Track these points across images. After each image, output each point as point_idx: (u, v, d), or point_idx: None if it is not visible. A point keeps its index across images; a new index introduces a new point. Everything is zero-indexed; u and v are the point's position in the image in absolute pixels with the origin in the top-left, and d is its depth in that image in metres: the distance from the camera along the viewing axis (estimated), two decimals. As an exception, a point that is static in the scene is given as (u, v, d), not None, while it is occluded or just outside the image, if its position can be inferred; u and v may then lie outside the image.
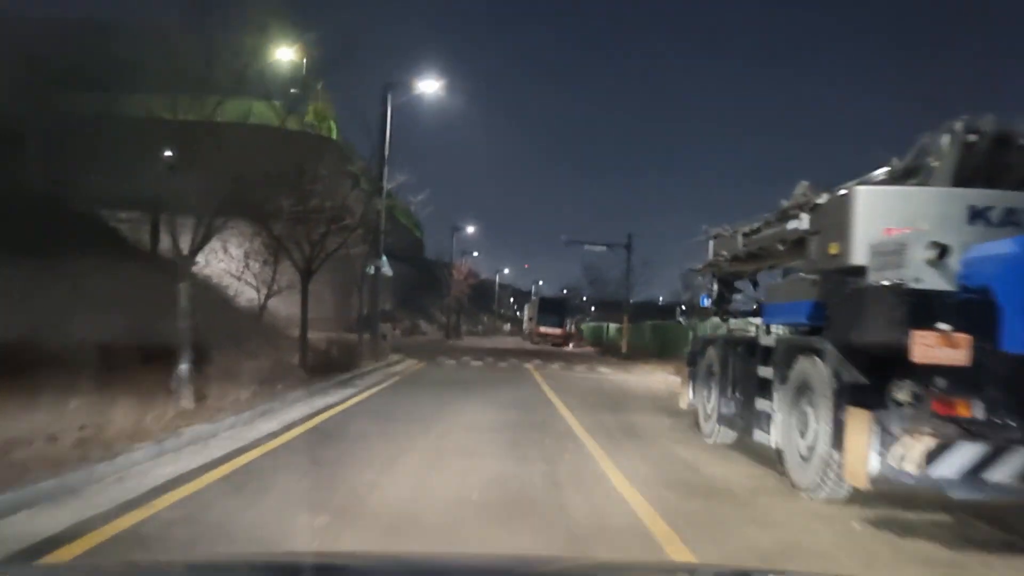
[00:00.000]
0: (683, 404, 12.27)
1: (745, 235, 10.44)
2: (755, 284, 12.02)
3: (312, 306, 17.06)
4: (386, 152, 20.75)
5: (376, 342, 21.08)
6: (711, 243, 11.94)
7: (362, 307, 22.54)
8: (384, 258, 20.46)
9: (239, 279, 20.37)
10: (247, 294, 20.91)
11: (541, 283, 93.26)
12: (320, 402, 12.81)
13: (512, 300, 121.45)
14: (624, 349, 32.82)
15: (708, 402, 10.72)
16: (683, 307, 21.50)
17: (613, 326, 54.80)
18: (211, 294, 18.07)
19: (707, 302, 12.69)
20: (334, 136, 50.69)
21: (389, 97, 21.35)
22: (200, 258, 12.31)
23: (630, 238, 34.08)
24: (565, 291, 73.88)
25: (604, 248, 33.38)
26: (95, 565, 3.10)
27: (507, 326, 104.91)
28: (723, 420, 10.01)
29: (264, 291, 20.02)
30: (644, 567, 3.04)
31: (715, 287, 12.33)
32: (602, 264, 50.03)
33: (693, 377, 11.64)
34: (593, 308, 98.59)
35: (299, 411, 11.43)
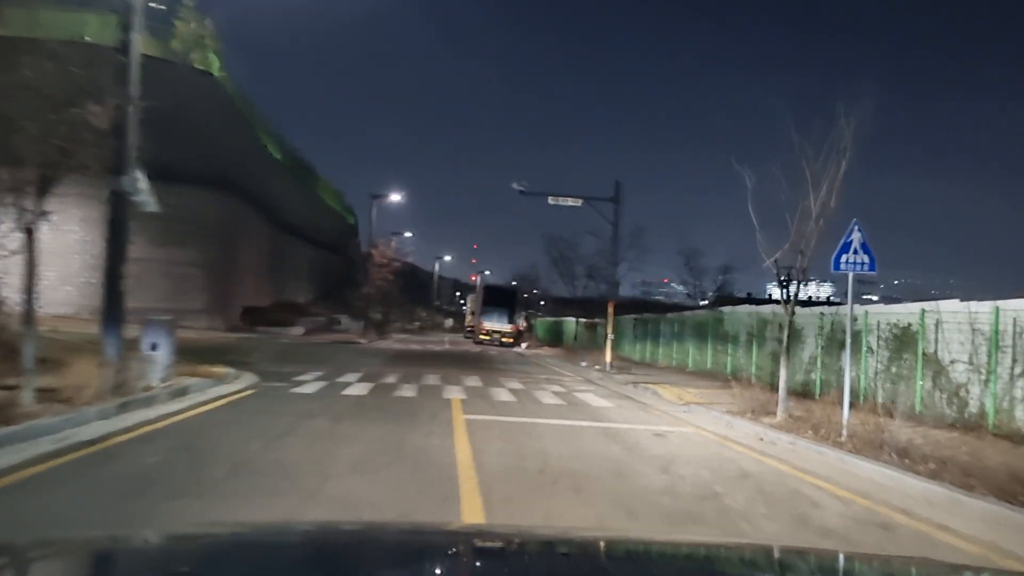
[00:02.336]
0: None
1: None
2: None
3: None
4: None
5: (123, 352, 10.63)
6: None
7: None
8: (138, 177, 10.16)
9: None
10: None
11: (488, 272, 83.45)
12: None
13: (458, 294, 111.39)
14: (608, 357, 23.74)
15: None
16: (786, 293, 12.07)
17: (573, 321, 45.57)
18: None
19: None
20: (215, 71, 40.64)
21: None
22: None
23: (618, 188, 24.72)
24: (515, 282, 63.63)
25: (578, 202, 23.83)
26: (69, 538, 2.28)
27: (449, 322, 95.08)
28: None
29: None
30: (663, 544, 2.75)
31: None
32: (575, 238, 40.57)
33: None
34: (543, 302, 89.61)
35: None
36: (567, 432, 10.85)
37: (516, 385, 18.14)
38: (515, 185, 24.21)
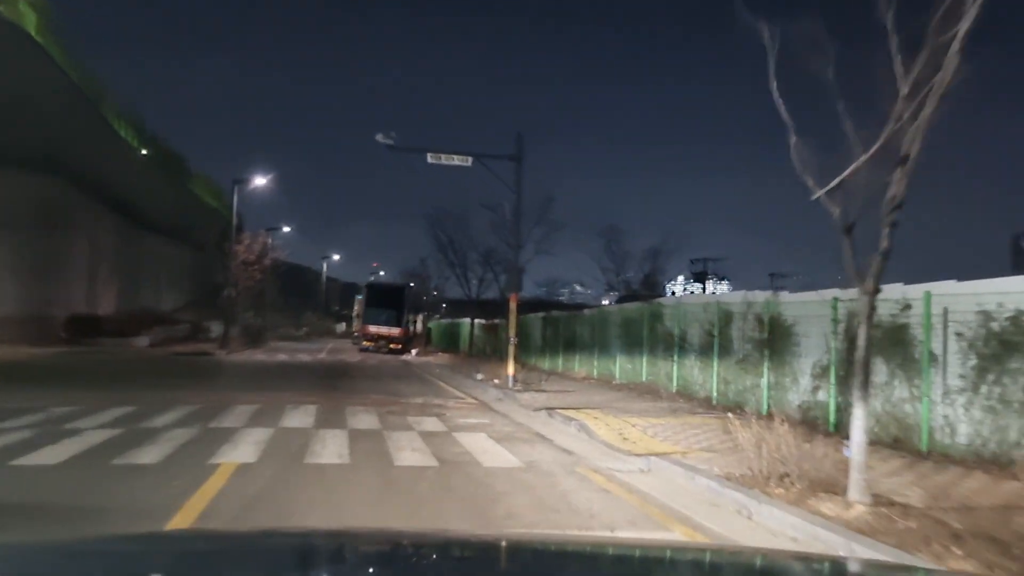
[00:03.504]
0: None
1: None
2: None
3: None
4: None
5: None
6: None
7: None
8: None
9: None
10: None
11: (383, 274, 75.98)
12: None
13: (359, 297, 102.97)
14: (511, 369, 17.30)
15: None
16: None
17: (468, 323, 39.20)
18: None
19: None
20: (30, 27, 32.69)
21: None
22: None
23: (520, 144, 18.23)
24: (407, 281, 56.20)
25: (466, 161, 17.19)
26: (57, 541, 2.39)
27: (341, 327, 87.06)
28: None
29: None
30: (649, 546, 2.96)
31: None
32: (468, 215, 33.25)
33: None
34: (444, 305, 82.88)
35: None
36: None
37: (369, 421, 11.56)
38: (380, 138, 17.57)
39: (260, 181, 39.84)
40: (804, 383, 11.67)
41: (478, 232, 31.90)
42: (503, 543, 2.46)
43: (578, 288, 58.61)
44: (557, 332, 25.36)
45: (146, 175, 42.67)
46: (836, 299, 10.95)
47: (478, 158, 17.99)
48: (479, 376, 21.26)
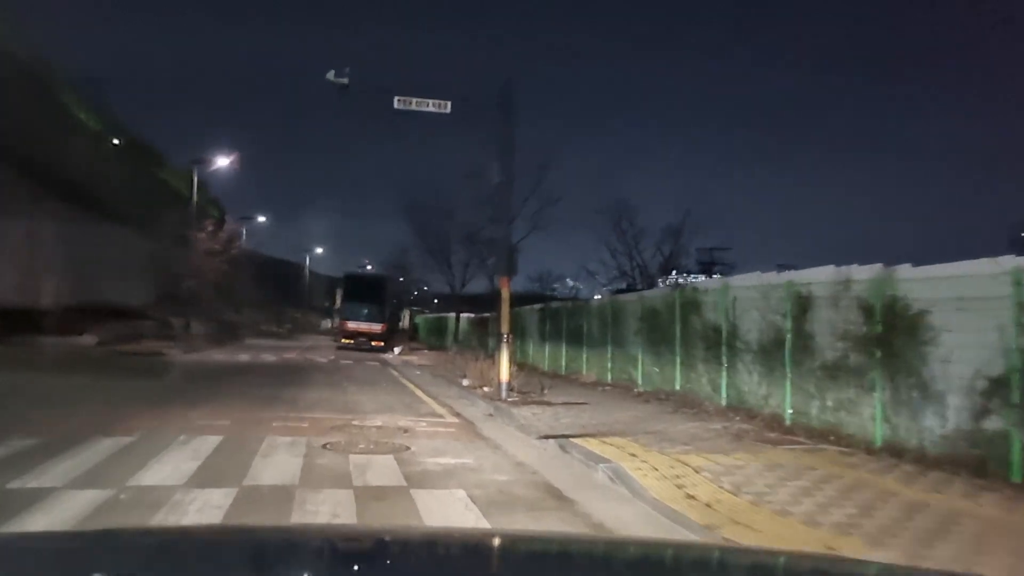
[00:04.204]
0: None
1: None
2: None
3: None
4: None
5: None
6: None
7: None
8: None
9: None
10: None
11: (368, 266, 71.61)
12: None
13: (338, 291, 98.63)
14: (505, 374, 13.09)
15: None
16: None
17: (454, 317, 35.17)
18: None
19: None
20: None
21: None
22: None
23: (508, 89, 14.13)
24: (391, 273, 51.70)
25: (443, 107, 13.07)
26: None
27: (326, 323, 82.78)
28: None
29: None
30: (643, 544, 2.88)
31: None
32: (448, 189, 28.42)
33: None
34: (436, 300, 78.73)
35: None
36: None
37: (285, 467, 7.45)
38: (331, 77, 13.47)
39: (222, 162, 35.64)
40: (954, 403, 7.64)
41: (462, 213, 27.72)
42: (502, 541, 2.39)
43: (570, 283, 54.15)
44: (559, 327, 21.30)
45: (107, 160, 38.15)
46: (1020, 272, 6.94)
47: (459, 103, 13.84)
48: (465, 382, 17.20)
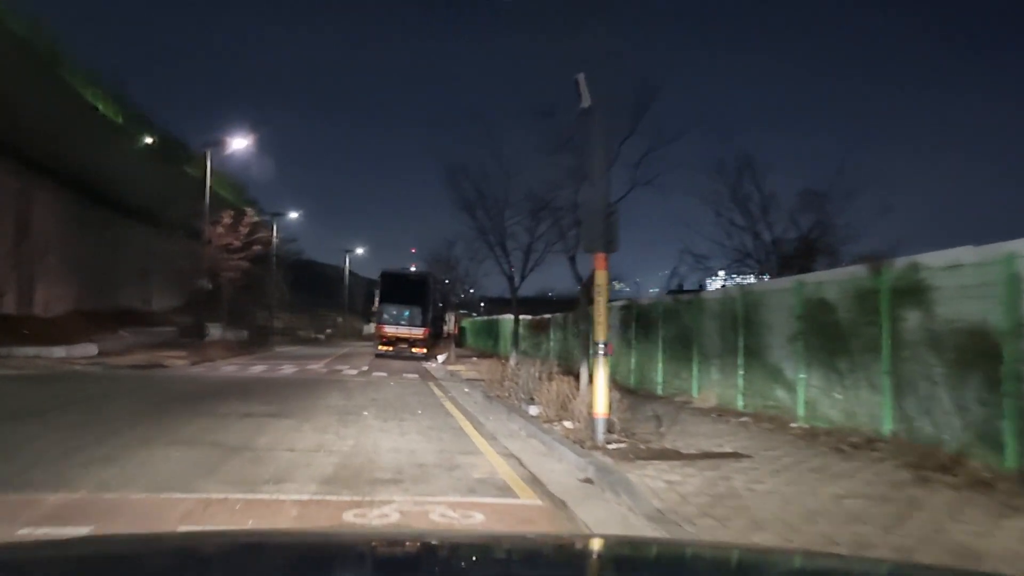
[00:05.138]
0: None
1: None
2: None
3: None
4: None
5: None
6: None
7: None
8: None
9: None
10: None
11: (414, 260, 66.49)
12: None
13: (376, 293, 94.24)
14: (602, 405, 8.10)
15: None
16: None
17: (511, 321, 30.05)
18: None
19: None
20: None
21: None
22: None
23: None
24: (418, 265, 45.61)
25: None
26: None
27: (368, 328, 78.58)
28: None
29: None
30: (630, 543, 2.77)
31: None
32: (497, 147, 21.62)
33: None
34: (483, 304, 73.87)
35: None
36: None
37: None
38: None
39: (240, 144, 31.07)
40: None
41: (525, 178, 22.16)
42: (500, 540, 2.42)
43: (622, 287, 47.84)
44: (651, 330, 15.97)
45: (127, 155, 33.78)
46: None
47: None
48: (533, 409, 11.98)
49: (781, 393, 10.89)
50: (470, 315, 67.65)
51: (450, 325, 52.25)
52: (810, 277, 10.48)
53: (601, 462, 7.76)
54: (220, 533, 3.15)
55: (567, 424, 10.38)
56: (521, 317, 27.22)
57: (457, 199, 19.01)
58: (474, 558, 2.03)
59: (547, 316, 27.73)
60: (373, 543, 2.19)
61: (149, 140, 34.22)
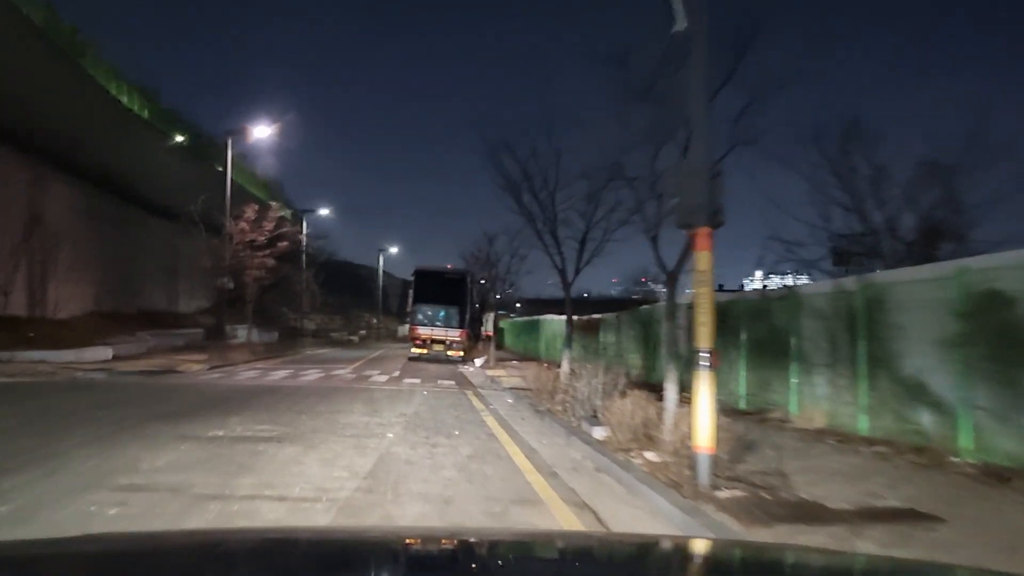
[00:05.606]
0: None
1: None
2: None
3: None
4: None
5: None
6: None
7: None
8: None
9: None
10: None
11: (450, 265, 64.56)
12: None
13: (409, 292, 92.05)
14: (705, 437, 5.77)
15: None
16: None
17: (558, 321, 27.56)
18: None
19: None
20: None
21: None
22: None
23: None
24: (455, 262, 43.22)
25: None
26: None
27: (404, 329, 76.66)
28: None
29: None
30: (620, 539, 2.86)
31: None
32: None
33: None
34: (519, 304, 71.36)
35: None
36: None
37: None
38: None
39: (263, 132, 29.03)
40: None
41: (584, 150, 19.46)
42: (500, 540, 2.36)
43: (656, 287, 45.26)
44: (732, 334, 13.39)
45: (154, 151, 31.91)
46: None
47: None
48: (599, 432, 9.53)
49: (927, 415, 8.30)
50: (508, 316, 65.31)
51: (488, 326, 50.03)
52: (975, 262, 7.88)
53: (718, 524, 5.32)
54: (241, 530, 3.12)
55: (648, 456, 7.93)
56: (556, 317, 24.67)
57: (500, 180, 16.47)
58: (511, 556, 1.97)
59: (596, 316, 25.23)
60: (405, 541, 2.15)
61: (180, 138, 32.39)
